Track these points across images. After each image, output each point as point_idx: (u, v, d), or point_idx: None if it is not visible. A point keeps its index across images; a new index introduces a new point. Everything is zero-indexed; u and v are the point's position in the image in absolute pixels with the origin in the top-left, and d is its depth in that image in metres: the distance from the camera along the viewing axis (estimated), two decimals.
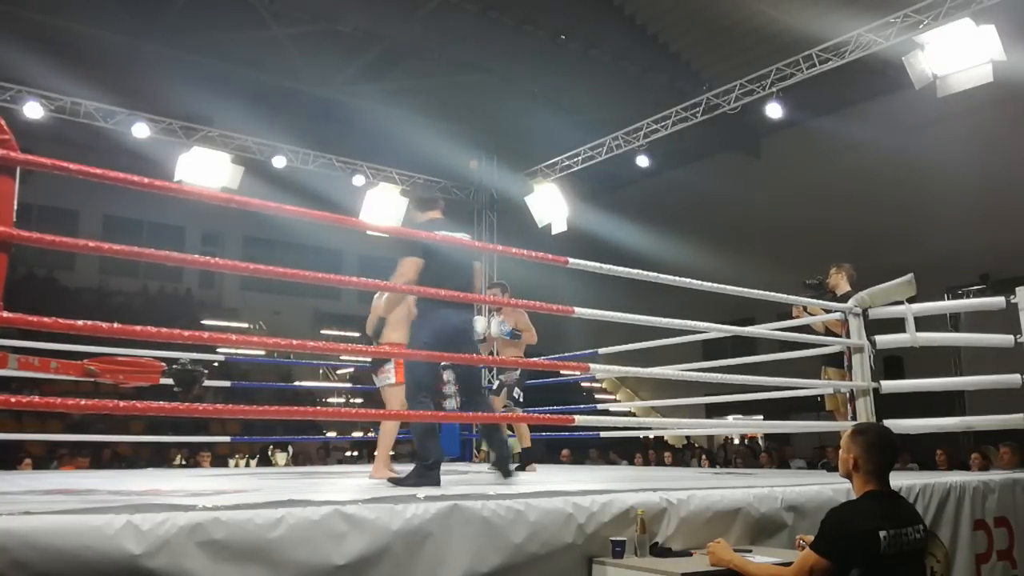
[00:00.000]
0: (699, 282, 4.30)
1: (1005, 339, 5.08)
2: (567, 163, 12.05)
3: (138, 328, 2.57)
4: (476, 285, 4.10)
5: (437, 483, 3.65)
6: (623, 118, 11.60)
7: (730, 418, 15.10)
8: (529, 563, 2.61)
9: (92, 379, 3.41)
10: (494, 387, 5.96)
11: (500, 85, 16.43)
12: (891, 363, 10.67)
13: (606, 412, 18.12)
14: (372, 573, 2.31)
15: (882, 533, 2.48)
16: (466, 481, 4.53)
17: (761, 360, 5.98)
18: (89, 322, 2.45)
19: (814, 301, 5.71)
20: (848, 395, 5.21)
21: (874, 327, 5.17)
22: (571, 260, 3.73)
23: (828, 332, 5.84)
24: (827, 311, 5.59)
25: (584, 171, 12.23)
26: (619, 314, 3.90)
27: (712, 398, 6.60)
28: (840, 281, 6.00)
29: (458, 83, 16.16)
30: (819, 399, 6.25)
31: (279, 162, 11.29)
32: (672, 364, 5.97)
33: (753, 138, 18.46)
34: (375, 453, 5.29)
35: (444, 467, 6.25)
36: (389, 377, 4.95)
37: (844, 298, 5.57)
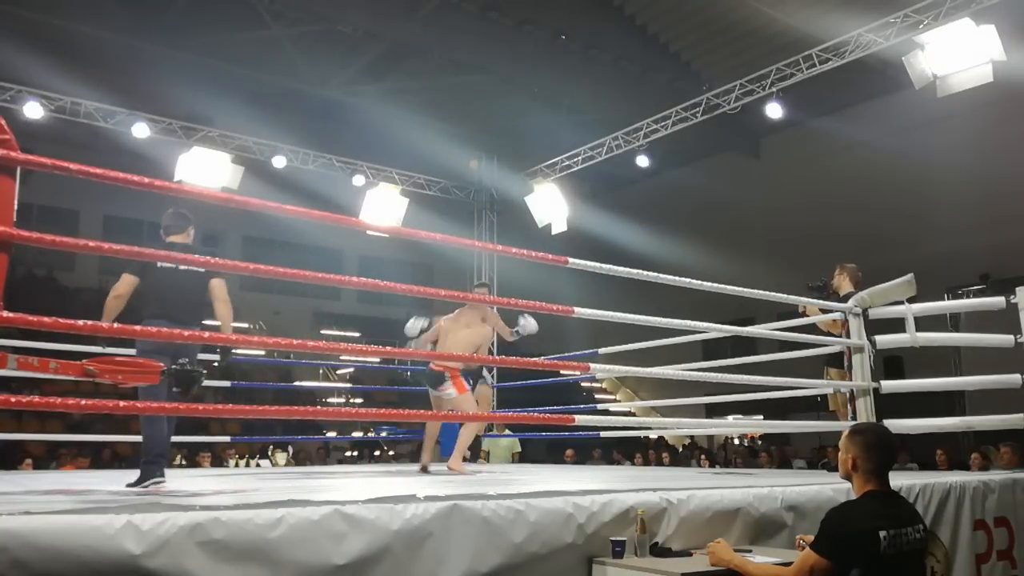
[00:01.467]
0: (699, 282, 4.29)
1: (1005, 339, 5.08)
2: (567, 163, 12.05)
3: (138, 328, 2.57)
4: (217, 303, 4.23)
5: (162, 474, 3.76)
6: (623, 118, 11.60)
7: (730, 418, 15.10)
8: (529, 563, 2.61)
9: (91, 379, 3.41)
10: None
11: (500, 85, 16.43)
12: (891, 363, 10.67)
13: (606, 412, 18.12)
14: (372, 573, 2.31)
15: (882, 533, 2.48)
16: (466, 481, 4.53)
17: (761, 360, 5.97)
18: (89, 322, 2.45)
19: (814, 301, 5.71)
20: (848, 395, 5.21)
21: (874, 327, 5.17)
22: (571, 260, 3.73)
23: (832, 332, 5.84)
24: (827, 311, 5.59)
25: (584, 171, 12.24)
26: (619, 314, 3.90)
27: (712, 398, 6.59)
28: (843, 282, 5.98)
29: (458, 83, 16.16)
30: (819, 399, 6.25)
31: (279, 162, 11.29)
32: (672, 364, 5.97)
33: (753, 138, 18.46)
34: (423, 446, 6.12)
35: (445, 467, 6.31)
36: (451, 391, 5.62)
37: (847, 299, 5.56)
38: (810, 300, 5.75)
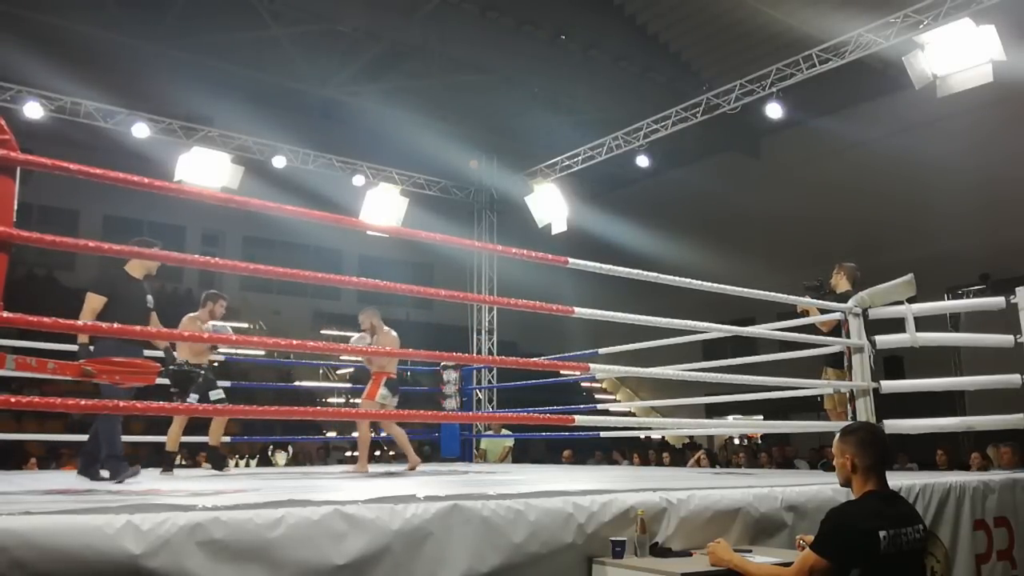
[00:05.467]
0: (699, 282, 4.30)
1: (1005, 339, 5.08)
2: (567, 163, 12.05)
3: (138, 328, 2.57)
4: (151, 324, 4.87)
5: (128, 469, 4.44)
6: (623, 118, 11.60)
7: (730, 418, 15.09)
8: (529, 563, 2.61)
9: (89, 379, 3.41)
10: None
11: (500, 85, 16.44)
12: (891, 363, 10.66)
13: (606, 412, 18.12)
14: (372, 573, 2.31)
15: (882, 533, 2.47)
16: (466, 481, 4.53)
17: (761, 360, 5.97)
18: (89, 322, 2.45)
19: (814, 301, 5.70)
20: (848, 395, 5.21)
21: (874, 327, 5.17)
22: (571, 260, 3.73)
23: (832, 332, 5.83)
24: (826, 311, 5.59)
25: (584, 171, 12.23)
26: (619, 314, 3.90)
27: (712, 398, 6.60)
28: (840, 281, 5.98)
29: (458, 83, 16.16)
30: (819, 399, 6.25)
31: (279, 162, 11.28)
32: (672, 364, 5.96)
33: (753, 138, 18.45)
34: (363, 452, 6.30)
35: (444, 467, 6.33)
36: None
37: (843, 296, 5.56)
38: (810, 300, 5.75)
